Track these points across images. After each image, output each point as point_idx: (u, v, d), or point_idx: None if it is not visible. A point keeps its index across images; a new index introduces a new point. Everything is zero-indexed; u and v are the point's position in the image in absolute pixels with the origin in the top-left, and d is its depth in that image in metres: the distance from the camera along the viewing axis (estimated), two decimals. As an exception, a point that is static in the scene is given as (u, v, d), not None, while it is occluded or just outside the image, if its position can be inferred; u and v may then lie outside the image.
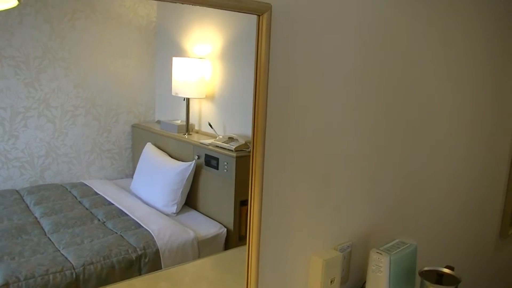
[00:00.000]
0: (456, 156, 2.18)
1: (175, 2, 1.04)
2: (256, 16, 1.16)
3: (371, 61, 1.52)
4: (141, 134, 1.19)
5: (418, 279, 1.41)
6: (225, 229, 1.31)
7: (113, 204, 1.18)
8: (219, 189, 1.31)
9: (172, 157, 1.27)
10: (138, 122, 1.17)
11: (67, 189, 1.10)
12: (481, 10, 2.08)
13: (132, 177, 1.18)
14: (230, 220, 1.32)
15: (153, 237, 1.19)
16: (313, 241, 1.42)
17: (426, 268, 1.40)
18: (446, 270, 1.38)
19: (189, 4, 1.06)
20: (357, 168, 1.54)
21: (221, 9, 1.10)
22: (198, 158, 1.29)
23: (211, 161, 1.31)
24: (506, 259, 2.95)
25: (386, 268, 1.37)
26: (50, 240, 1.05)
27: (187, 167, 1.29)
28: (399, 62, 1.66)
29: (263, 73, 1.18)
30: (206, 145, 1.30)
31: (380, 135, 1.61)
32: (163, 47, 1.17)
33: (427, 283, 1.32)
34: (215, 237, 1.30)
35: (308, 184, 1.40)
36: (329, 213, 1.47)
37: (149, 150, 1.21)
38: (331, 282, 1.39)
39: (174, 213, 1.27)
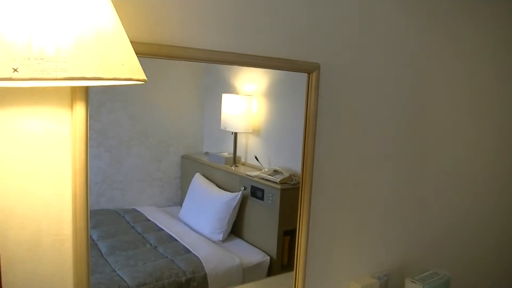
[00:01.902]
0: (492, 194, 2.15)
1: (239, 65, 1.18)
2: (306, 74, 1.30)
3: (406, 110, 1.60)
4: (189, 165, 1.27)
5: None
6: (269, 257, 1.36)
7: (163, 230, 1.25)
8: (263, 219, 1.36)
9: (219, 187, 1.34)
10: (187, 153, 1.25)
11: (120, 214, 1.18)
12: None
13: (180, 205, 1.26)
14: (273, 248, 1.37)
15: (201, 262, 1.25)
16: (353, 269, 1.49)
17: None
18: None
19: (250, 67, 1.20)
20: (397, 206, 1.60)
21: (277, 69, 1.25)
22: (245, 189, 1.36)
23: (256, 192, 1.37)
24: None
25: None
26: (107, 261, 1.14)
27: (234, 197, 1.35)
28: (430, 111, 1.73)
29: (311, 122, 1.31)
30: (252, 177, 1.36)
31: (421, 176, 1.68)
32: (212, 84, 1.26)
33: None
34: (258, 265, 1.35)
35: (349, 218, 1.46)
36: (368, 245, 1.53)
37: (198, 180, 1.29)
38: None
39: (221, 241, 1.33)
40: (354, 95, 1.43)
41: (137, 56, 0.81)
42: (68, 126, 0.98)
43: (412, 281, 1.44)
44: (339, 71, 1.38)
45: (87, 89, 0.97)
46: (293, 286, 1.34)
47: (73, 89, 0.96)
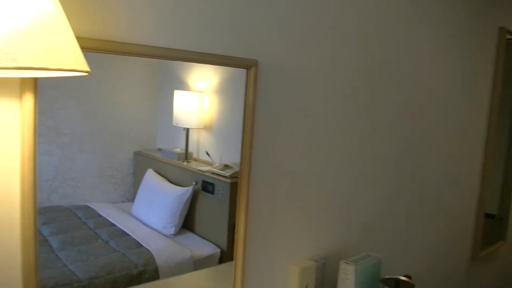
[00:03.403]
0: (428, 182, 2.31)
1: (174, 60, 1.19)
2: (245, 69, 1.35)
3: (344, 106, 1.71)
4: (142, 161, 1.28)
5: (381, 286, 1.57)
6: (219, 249, 1.40)
7: (115, 225, 1.27)
8: (214, 212, 1.41)
9: (171, 182, 1.36)
10: (140, 150, 1.26)
11: (72, 211, 1.18)
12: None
13: (133, 201, 1.28)
14: (224, 241, 1.42)
15: (152, 256, 1.28)
16: (292, 254, 1.58)
17: (386, 276, 1.58)
18: (402, 278, 1.55)
19: (187, 62, 1.23)
20: (333, 193, 1.70)
21: (215, 65, 1.29)
22: (196, 183, 1.39)
23: (207, 186, 1.40)
24: (477, 281, 3.05)
25: (352, 276, 1.54)
26: (58, 256, 1.14)
27: (185, 192, 1.38)
28: (366, 106, 1.85)
29: (250, 117, 1.37)
30: (204, 171, 1.40)
31: (355, 165, 1.79)
32: (166, 80, 1.28)
33: (386, 287, 1.50)
34: (209, 257, 1.39)
35: (288, 207, 1.54)
36: (307, 231, 1.62)
37: (150, 176, 1.31)
38: (306, 287, 1.55)
39: (172, 234, 1.36)
40: (293, 91, 1.50)
41: (82, 51, 0.83)
42: (17, 116, 0.97)
43: (346, 262, 1.57)
44: (278, 68, 1.44)
45: (35, 81, 0.97)
46: (233, 271, 1.40)
47: (22, 81, 0.96)
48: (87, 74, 0.81)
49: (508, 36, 2.78)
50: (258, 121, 1.41)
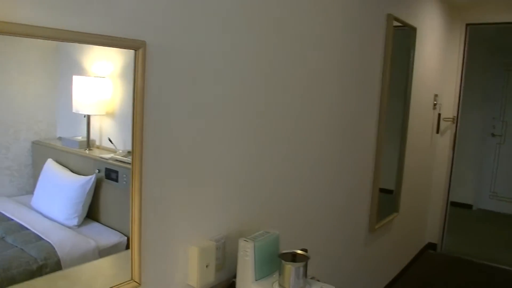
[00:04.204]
0: (326, 160, 2.45)
1: (53, 40, 1.13)
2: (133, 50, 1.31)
3: (242, 87, 1.74)
4: (42, 151, 1.22)
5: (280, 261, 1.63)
6: (126, 237, 1.38)
7: (13, 219, 1.20)
8: (119, 200, 1.38)
9: (73, 172, 1.31)
10: (39, 139, 1.20)
11: (-37, 206, 1.10)
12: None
13: (33, 194, 1.21)
14: (130, 228, 1.40)
15: (54, 248, 1.23)
16: (192, 235, 1.60)
17: (284, 251, 1.64)
18: (299, 251, 1.64)
19: (67, 42, 1.17)
20: (230, 173, 1.73)
21: (99, 45, 1.23)
22: (99, 172, 1.35)
23: (111, 174, 1.37)
24: (374, 251, 3.31)
25: (251, 253, 1.60)
26: None
27: (87, 181, 1.34)
28: (264, 85, 1.92)
29: (139, 99, 1.33)
30: (106, 159, 1.36)
31: (251, 144, 1.83)
32: (65, 66, 1.22)
33: (283, 261, 1.57)
34: (116, 246, 1.37)
35: (185, 188, 1.54)
36: (206, 212, 1.64)
37: (50, 166, 1.25)
38: (206, 266, 1.58)
39: (76, 225, 1.31)
40: (186, 72, 1.49)
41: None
42: None
43: (244, 240, 1.62)
44: (170, 49, 1.41)
45: None
46: (130, 256, 1.38)
47: None
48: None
49: (396, 23, 2.97)
50: (149, 103, 1.38)
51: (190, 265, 1.57)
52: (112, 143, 1.36)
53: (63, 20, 1.13)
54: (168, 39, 1.41)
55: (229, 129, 1.70)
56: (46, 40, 1.13)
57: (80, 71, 1.26)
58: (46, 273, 1.20)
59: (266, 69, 1.84)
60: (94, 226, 1.35)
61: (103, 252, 1.34)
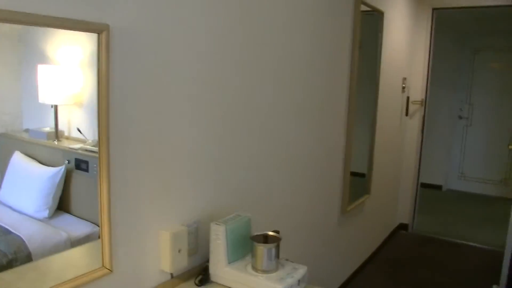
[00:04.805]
0: (297, 143, 2.48)
1: (15, 24, 1.09)
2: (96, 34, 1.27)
3: (209, 66, 1.72)
4: (8, 144, 1.19)
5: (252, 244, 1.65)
6: (98, 227, 1.36)
7: (-21, 214, 1.18)
8: (90, 190, 1.36)
9: (42, 164, 1.29)
10: (5, 132, 1.17)
11: None
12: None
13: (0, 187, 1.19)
14: (102, 219, 1.39)
15: (24, 242, 1.21)
16: (163, 220, 1.59)
17: (256, 233, 1.66)
18: (270, 233, 1.66)
19: (28, 25, 1.13)
20: (201, 157, 1.73)
21: (60, 29, 1.20)
22: (68, 162, 1.33)
23: (81, 164, 1.35)
24: (347, 232, 3.38)
25: (223, 236, 1.61)
26: None
27: (57, 172, 1.32)
28: (233, 69, 1.91)
29: (104, 84, 1.31)
30: (76, 149, 1.34)
31: (222, 128, 1.82)
32: (29, 55, 1.19)
33: (255, 243, 1.58)
34: (88, 236, 1.35)
35: (156, 172, 1.53)
36: (176, 197, 1.64)
37: (17, 159, 1.23)
38: (179, 251, 1.59)
39: (47, 218, 1.30)
40: (152, 57, 1.47)
41: None
42: None
43: (216, 224, 1.63)
44: (135, 33, 1.39)
45: None
46: (100, 244, 1.37)
47: None
48: None
49: (364, 8, 2.99)
50: (114, 88, 1.35)
51: (163, 251, 1.57)
52: (81, 133, 1.34)
53: (19, 1, 1.08)
54: (133, 23, 1.38)
55: (199, 113, 1.69)
56: (7, 29, 1.10)
57: (46, 60, 1.23)
58: (17, 266, 1.19)
59: (234, 52, 1.83)
60: (66, 217, 1.34)
61: (75, 244, 1.33)
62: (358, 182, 3.49)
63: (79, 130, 1.34)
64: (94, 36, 1.27)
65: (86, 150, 1.35)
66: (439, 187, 6.54)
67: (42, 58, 1.22)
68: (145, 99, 1.46)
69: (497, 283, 3.51)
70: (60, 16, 1.16)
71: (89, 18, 1.24)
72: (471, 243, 4.51)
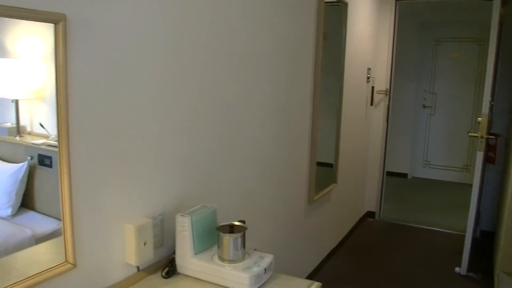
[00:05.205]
0: (262, 134, 2.51)
1: None
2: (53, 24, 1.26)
3: (172, 58, 1.72)
4: (-32, 141, 1.17)
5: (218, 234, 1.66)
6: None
7: None
8: (54, 186, 1.35)
9: (3, 160, 1.27)
10: (-38, 129, 1.15)
11: None
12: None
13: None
14: (68, 215, 1.38)
15: (-14, 241, 1.20)
16: (127, 214, 1.59)
17: (221, 224, 1.68)
18: (236, 223, 1.67)
19: None
20: (164, 149, 1.73)
21: (16, 19, 1.17)
22: (31, 158, 1.32)
23: (44, 160, 1.34)
24: (315, 221, 3.44)
25: (189, 227, 1.62)
26: None
27: (19, 168, 1.30)
28: (198, 58, 1.93)
29: (62, 76, 1.29)
30: (38, 145, 1.33)
31: (186, 118, 1.83)
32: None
33: (220, 233, 1.60)
34: (54, 233, 1.34)
35: (116, 165, 1.52)
36: (140, 189, 1.64)
37: (-23, 156, 1.21)
38: (144, 244, 1.59)
39: (10, 216, 1.28)
40: (111, 46, 1.45)
41: None
42: None
43: (181, 215, 1.64)
44: (93, 22, 1.37)
45: None
46: (63, 239, 1.36)
47: None
48: None
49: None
50: (73, 80, 1.34)
51: (128, 244, 1.57)
52: (44, 128, 1.32)
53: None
54: (91, 13, 1.37)
55: (163, 104, 1.69)
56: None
57: (4, 53, 1.21)
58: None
59: (198, 44, 1.84)
60: (30, 214, 1.32)
61: (40, 240, 1.32)
62: (326, 172, 3.55)
63: (41, 125, 1.33)
64: (53, 27, 1.25)
65: (49, 145, 1.33)
66: (404, 175, 6.69)
67: (1, 51, 1.20)
68: (106, 91, 1.45)
69: (460, 266, 3.64)
70: (13, 5, 1.13)
71: (44, 8, 1.22)
72: (435, 228, 4.65)
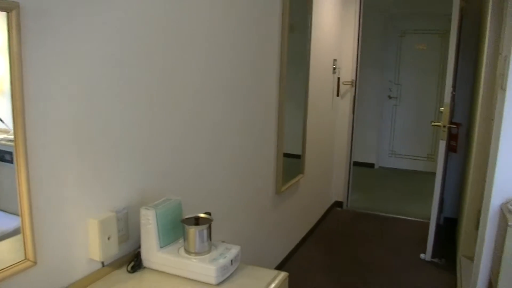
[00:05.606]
0: (228, 125, 2.52)
1: None
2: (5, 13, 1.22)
3: (132, 47, 1.70)
4: None
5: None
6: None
7: None
8: (16, 182, 1.33)
9: (-40, 157, 1.24)
10: None
11: None
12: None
13: None
14: (29, 211, 1.35)
15: None
16: (90, 208, 1.57)
17: (187, 216, 1.68)
18: (201, 215, 1.68)
19: None
20: (126, 141, 1.71)
21: None
22: (-10, 155, 1.29)
23: (4, 156, 1.31)
24: (283, 211, 3.48)
25: (153, 220, 1.62)
26: None
27: (-22, 165, 1.28)
28: (160, 47, 1.91)
29: (16, 65, 1.26)
30: (-2, 140, 1.30)
31: (151, 111, 1.82)
32: None
33: (186, 225, 1.61)
34: (16, 230, 1.32)
35: (76, 159, 1.50)
36: (103, 183, 1.62)
37: None
38: (108, 239, 1.58)
39: (-32, 214, 1.25)
40: (68, 35, 1.42)
41: None
42: None
43: (146, 208, 1.63)
44: (48, 11, 1.34)
45: None
46: (22, 236, 1.34)
47: None
48: None
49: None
50: (28, 70, 1.31)
51: (91, 239, 1.56)
52: (3, 122, 1.30)
53: None
54: (46, 1, 1.33)
55: (124, 95, 1.67)
56: None
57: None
58: None
59: (159, 32, 1.82)
60: (-10, 212, 1.30)
61: (1, 239, 1.29)
62: (294, 163, 3.58)
63: (1, 120, 1.30)
64: (5, 16, 1.21)
65: (10, 140, 1.31)
66: (371, 165, 6.81)
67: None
68: (64, 82, 1.42)
69: (425, 252, 3.75)
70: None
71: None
72: (401, 216, 4.77)
